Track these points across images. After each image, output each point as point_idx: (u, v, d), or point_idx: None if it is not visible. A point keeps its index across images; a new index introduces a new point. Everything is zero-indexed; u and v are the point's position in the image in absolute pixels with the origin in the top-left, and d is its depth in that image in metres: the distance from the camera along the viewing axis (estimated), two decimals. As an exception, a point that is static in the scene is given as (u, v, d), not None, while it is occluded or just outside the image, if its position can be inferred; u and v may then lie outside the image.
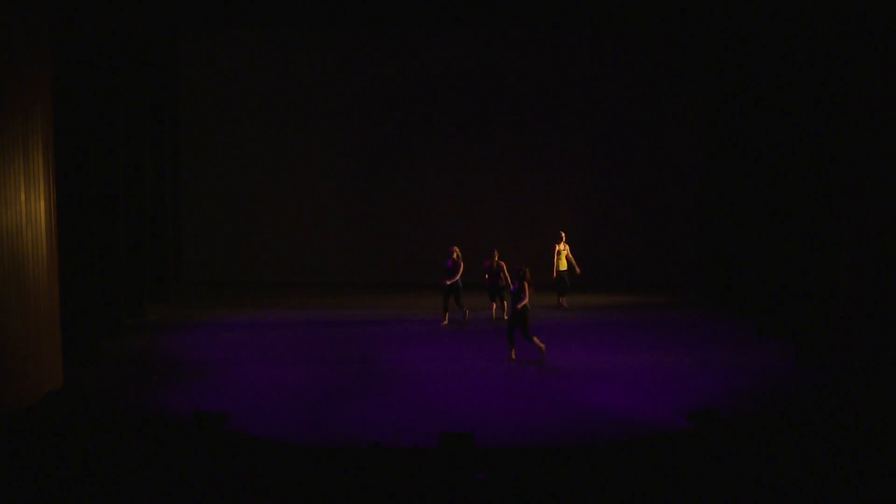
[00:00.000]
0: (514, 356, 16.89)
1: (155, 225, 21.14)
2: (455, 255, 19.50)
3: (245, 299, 19.62)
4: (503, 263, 19.48)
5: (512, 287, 17.45)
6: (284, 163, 23.90)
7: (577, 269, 20.77)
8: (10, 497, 10.90)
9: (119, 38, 18.06)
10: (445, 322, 19.40)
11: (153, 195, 20.97)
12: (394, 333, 18.73)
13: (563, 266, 20.74)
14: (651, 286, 23.02)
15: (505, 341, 17.22)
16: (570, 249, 20.99)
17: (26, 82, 14.29)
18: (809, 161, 16.77)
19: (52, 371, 15.00)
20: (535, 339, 16.75)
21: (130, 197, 19.52)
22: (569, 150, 23.97)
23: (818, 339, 16.36)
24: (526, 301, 16.61)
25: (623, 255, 23.15)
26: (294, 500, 11.01)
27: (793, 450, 12.33)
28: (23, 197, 14.19)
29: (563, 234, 20.90)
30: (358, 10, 19.00)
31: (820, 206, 16.49)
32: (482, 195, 24.01)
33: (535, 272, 23.55)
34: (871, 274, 14.87)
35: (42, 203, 14.63)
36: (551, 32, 23.24)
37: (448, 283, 19.33)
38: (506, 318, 18.49)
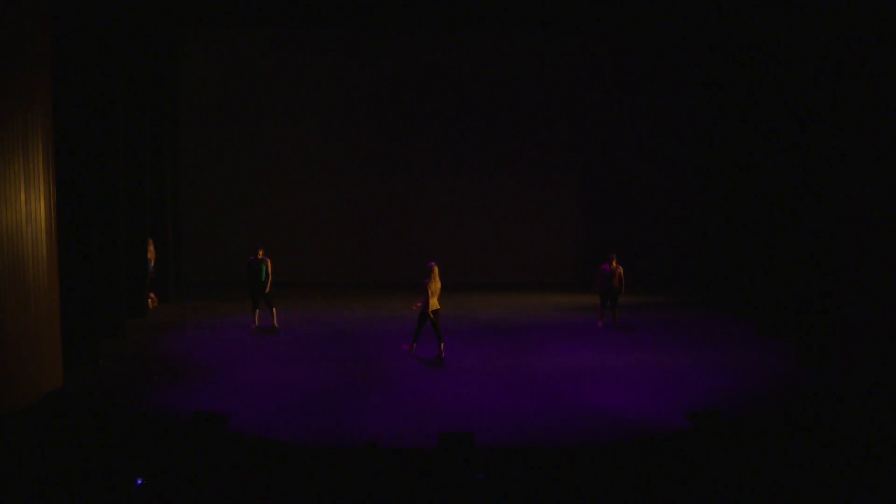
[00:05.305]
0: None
1: (155, 225, 21.14)
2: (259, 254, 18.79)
3: (245, 299, 19.64)
4: (620, 268, 19.22)
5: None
6: (284, 163, 23.90)
7: None
8: (11, 497, 10.89)
9: (119, 38, 18.06)
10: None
11: (153, 195, 20.97)
12: (394, 333, 18.72)
13: None
14: (651, 286, 23.02)
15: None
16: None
17: (26, 82, 14.29)
18: (809, 161, 16.78)
19: (52, 371, 15.00)
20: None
21: (130, 197, 19.51)
22: (569, 151, 23.98)
23: (818, 339, 16.36)
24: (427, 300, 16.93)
25: (623, 255, 23.07)
26: (294, 500, 11.01)
27: (793, 450, 12.32)
28: (23, 197, 14.19)
29: None
30: (358, 10, 19.01)
31: (820, 205, 16.50)
32: (482, 195, 24.01)
33: (538, 269, 23.62)
34: (871, 274, 14.86)
35: (42, 203, 14.63)
36: (551, 34, 23.25)
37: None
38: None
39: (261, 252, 18.89)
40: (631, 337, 18.67)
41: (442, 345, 17.15)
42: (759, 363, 16.76)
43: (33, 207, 14.42)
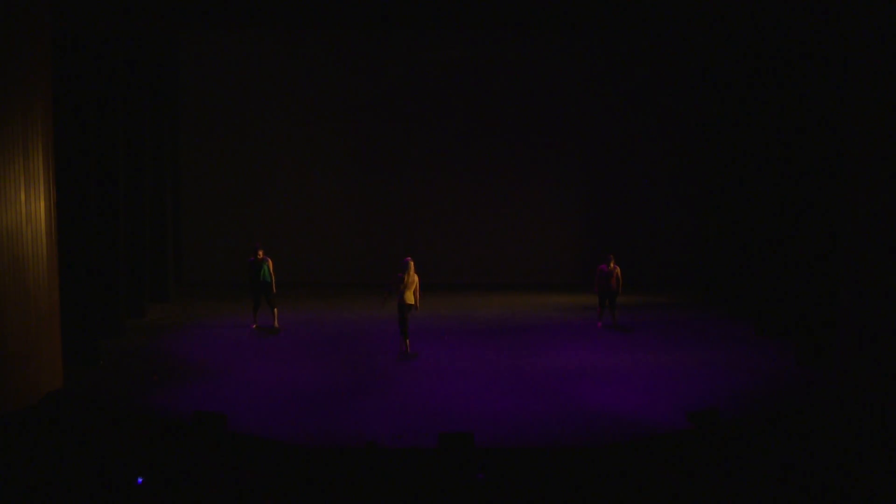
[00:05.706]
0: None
1: (155, 225, 21.15)
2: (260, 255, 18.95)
3: (245, 299, 19.69)
4: (618, 268, 19.18)
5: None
6: (284, 163, 23.92)
7: None
8: (10, 497, 10.89)
9: (119, 38, 18.06)
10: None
11: (153, 195, 20.99)
12: (394, 333, 18.71)
13: None
14: (651, 286, 23.03)
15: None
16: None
17: (26, 82, 14.29)
18: (809, 161, 16.77)
19: (52, 371, 14.99)
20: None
21: (130, 197, 19.53)
22: (569, 151, 23.99)
23: (818, 339, 16.36)
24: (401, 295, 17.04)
25: (623, 256, 23.15)
26: (293, 500, 11.01)
27: (793, 450, 12.32)
28: (23, 197, 14.19)
29: None
30: (358, 11, 18.99)
31: (819, 205, 16.49)
32: (482, 195, 24.02)
33: (538, 269, 23.59)
34: (870, 274, 14.85)
35: (42, 203, 14.63)
36: (551, 34, 23.25)
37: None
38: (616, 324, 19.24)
39: (260, 252, 18.94)
40: (631, 337, 18.67)
41: (407, 340, 17.26)
42: (759, 363, 16.76)
43: (33, 207, 14.42)
